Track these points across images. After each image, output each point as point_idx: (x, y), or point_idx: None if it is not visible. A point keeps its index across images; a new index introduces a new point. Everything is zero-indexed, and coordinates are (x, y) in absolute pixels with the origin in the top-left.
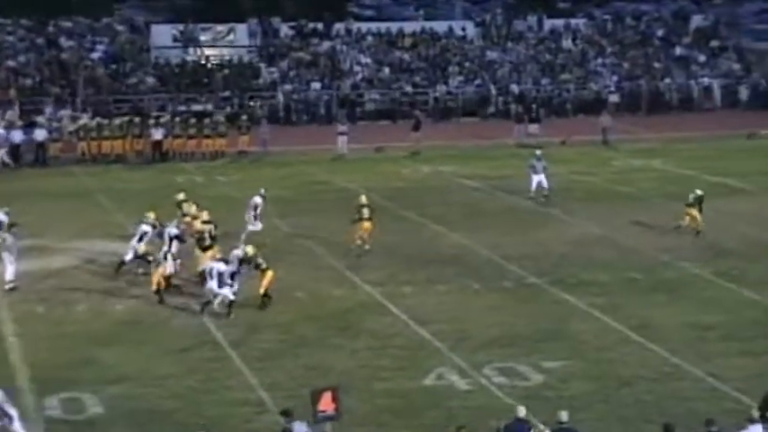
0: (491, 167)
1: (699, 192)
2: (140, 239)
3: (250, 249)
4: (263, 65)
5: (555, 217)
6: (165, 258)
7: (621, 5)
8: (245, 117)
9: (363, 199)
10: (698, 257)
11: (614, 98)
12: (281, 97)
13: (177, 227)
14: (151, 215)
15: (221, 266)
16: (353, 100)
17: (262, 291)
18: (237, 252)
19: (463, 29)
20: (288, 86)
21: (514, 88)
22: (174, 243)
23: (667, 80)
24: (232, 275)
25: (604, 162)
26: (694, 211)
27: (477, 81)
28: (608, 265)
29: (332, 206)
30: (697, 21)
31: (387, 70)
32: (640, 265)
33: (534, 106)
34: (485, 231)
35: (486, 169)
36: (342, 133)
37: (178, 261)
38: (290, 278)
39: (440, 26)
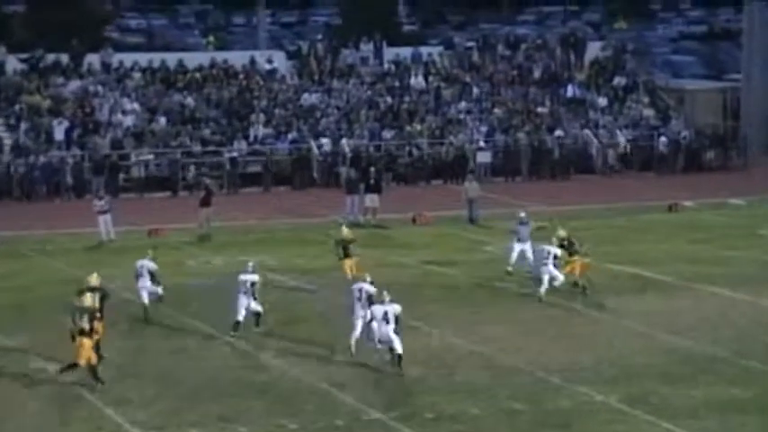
0: (312, 256)
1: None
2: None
3: None
4: None
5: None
6: None
7: (491, 28)
8: None
9: (344, 231)
10: (600, 379)
11: (484, 157)
12: (7, 160)
13: None
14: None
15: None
16: (115, 163)
17: None
18: None
19: (270, 61)
20: (18, 145)
21: (344, 144)
22: None
23: (557, 132)
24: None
25: (471, 247)
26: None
27: (292, 134)
28: (478, 391)
29: None
30: (594, 50)
31: (162, 120)
32: (523, 391)
33: (372, 170)
34: (306, 347)
35: (305, 259)
36: (102, 212)
37: None
38: (24, 417)
39: (238, 58)
